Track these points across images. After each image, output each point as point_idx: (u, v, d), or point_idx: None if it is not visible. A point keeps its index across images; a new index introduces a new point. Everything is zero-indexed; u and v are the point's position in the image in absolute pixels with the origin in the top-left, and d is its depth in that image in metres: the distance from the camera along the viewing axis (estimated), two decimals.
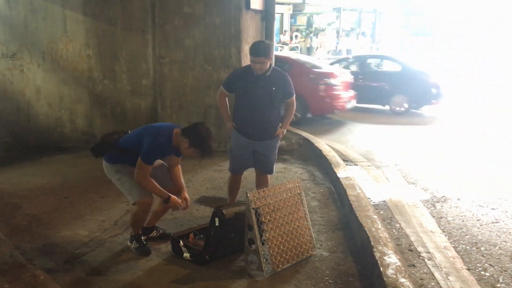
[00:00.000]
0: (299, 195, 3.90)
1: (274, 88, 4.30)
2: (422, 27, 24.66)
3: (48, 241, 4.16)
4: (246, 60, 7.37)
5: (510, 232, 4.39)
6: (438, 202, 5.26)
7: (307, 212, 3.94)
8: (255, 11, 7.58)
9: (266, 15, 7.83)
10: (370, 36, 25.78)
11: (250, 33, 7.61)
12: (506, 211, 4.96)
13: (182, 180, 4.05)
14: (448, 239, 4.23)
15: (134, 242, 3.93)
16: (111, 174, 3.94)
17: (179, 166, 4.06)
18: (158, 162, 3.97)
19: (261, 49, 4.17)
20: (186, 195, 3.97)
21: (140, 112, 7.67)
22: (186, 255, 3.70)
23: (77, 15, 7.50)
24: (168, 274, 3.55)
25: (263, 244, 3.52)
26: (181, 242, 3.76)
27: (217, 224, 3.59)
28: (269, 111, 4.38)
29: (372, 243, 3.65)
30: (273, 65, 4.51)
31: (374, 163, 6.90)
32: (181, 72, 7.33)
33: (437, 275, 3.52)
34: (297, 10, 23.83)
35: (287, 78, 4.40)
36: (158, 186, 3.76)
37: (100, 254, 3.91)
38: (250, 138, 4.45)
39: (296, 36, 24.66)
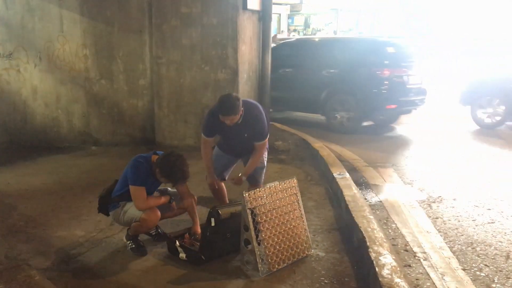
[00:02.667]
0: (295, 195, 3.91)
1: (246, 135, 4.33)
2: (421, 28, 24.69)
3: (44, 242, 4.16)
4: (242, 60, 7.39)
5: (505, 233, 4.41)
6: (434, 202, 5.27)
7: (303, 212, 3.95)
8: (252, 11, 7.59)
9: (263, 15, 7.84)
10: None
11: (247, 33, 7.62)
12: (502, 212, 4.97)
13: (196, 217, 4.04)
14: (444, 239, 4.24)
15: (131, 242, 3.93)
16: (119, 215, 3.94)
17: (192, 201, 4.04)
18: (163, 200, 3.99)
19: (228, 108, 4.09)
20: (198, 229, 3.96)
21: (137, 112, 7.67)
22: (182, 255, 3.70)
23: (74, 15, 7.49)
24: (164, 274, 3.56)
25: (259, 244, 3.52)
26: (177, 242, 3.76)
27: (213, 224, 3.59)
28: (250, 148, 4.43)
29: (368, 243, 3.66)
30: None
31: (370, 163, 6.91)
32: (178, 72, 7.33)
33: (432, 275, 3.53)
34: (294, 10, 23.90)
35: (258, 122, 4.32)
36: (159, 198, 3.93)
37: (96, 254, 3.91)
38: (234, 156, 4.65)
39: (293, 36, 24.67)
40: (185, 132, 7.48)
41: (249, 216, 3.47)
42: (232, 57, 7.14)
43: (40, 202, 5.21)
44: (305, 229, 3.89)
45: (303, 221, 3.90)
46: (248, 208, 3.47)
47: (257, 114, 4.35)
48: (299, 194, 3.95)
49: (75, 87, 7.77)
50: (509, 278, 3.54)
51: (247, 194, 3.49)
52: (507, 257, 3.89)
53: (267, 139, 4.49)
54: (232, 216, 3.66)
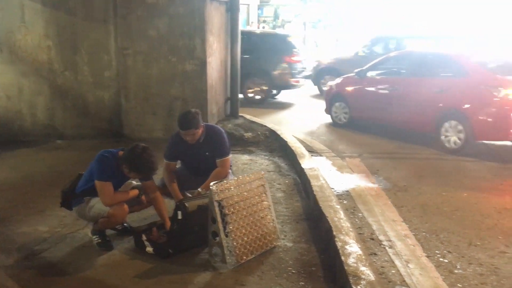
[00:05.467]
0: (263, 187, 3.91)
1: (207, 153, 4.28)
2: (393, 20, 25.00)
3: (6, 238, 4.04)
4: (210, 51, 7.33)
5: (468, 220, 4.53)
6: (399, 191, 5.37)
7: (271, 203, 3.96)
8: (220, 1, 7.53)
9: (231, 6, 7.80)
10: (338, 28, 26.03)
11: (215, 24, 7.56)
12: (465, 200, 5.11)
13: (165, 212, 3.93)
14: (409, 227, 4.34)
15: (97, 236, 3.86)
16: (84, 211, 3.85)
17: (159, 196, 3.95)
18: (131, 195, 3.90)
19: (188, 122, 4.06)
20: (166, 223, 3.87)
21: (104, 104, 7.51)
22: (149, 249, 3.66)
23: (35, 4, 7.24)
24: (131, 269, 3.51)
25: (227, 236, 3.52)
26: (144, 236, 3.71)
27: (179, 217, 3.56)
28: (210, 169, 4.30)
29: (334, 233, 3.70)
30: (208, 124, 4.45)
31: (338, 154, 6.99)
32: (146, 63, 7.21)
33: (397, 262, 3.61)
34: (264, 1, 23.82)
35: (219, 139, 4.29)
36: (127, 192, 3.83)
37: (61, 250, 3.83)
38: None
39: (263, 28, 24.62)
40: (153, 124, 7.38)
41: (217, 209, 3.45)
42: (200, 47, 7.07)
43: (3, 198, 5.05)
44: (273, 220, 3.90)
45: (271, 212, 3.91)
46: (215, 200, 3.46)
47: (217, 131, 4.37)
48: (267, 186, 3.96)
49: (38, 79, 7.53)
50: (471, 264, 3.65)
51: (214, 187, 3.47)
52: (469, 243, 4.01)
53: (229, 157, 4.41)
54: (199, 208, 3.64)
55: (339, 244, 3.51)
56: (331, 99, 9.35)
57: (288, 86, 12.07)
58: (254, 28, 21.48)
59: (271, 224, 3.87)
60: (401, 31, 17.83)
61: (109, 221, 3.77)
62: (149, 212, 4.27)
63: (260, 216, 3.79)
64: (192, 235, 3.70)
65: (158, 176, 4.34)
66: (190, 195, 4.12)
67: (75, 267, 3.54)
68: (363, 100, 8.73)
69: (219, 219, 3.45)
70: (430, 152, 7.16)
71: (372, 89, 8.62)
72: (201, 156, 4.31)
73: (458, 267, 3.60)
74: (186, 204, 3.60)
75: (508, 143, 7.38)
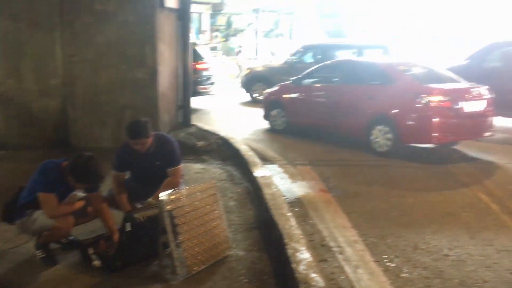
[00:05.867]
0: (215, 196, 3.89)
1: (158, 163, 4.16)
2: (337, 30, 25.67)
3: None
4: (161, 59, 7.25)
5: (414, 224, 4.69)
6: (349, 197, 5.49)
7: (223, 212, 3.94)
8: (170, 9, 7.48)
9: (182, 14, 7.76)
10: (289, 38, 26.41)
11: (166, 32, 7.49)
12: (411, 204, 5.29)
13: (113, 224, 3.80)
14: (358, 233, 4.43)
15: (41, 251, 3.71)
16: (27, 225, 3.67)
17: (106, 207, 3.83)
18: (77, 206, 3.77)
19: (138, 131, 3.97)
20: (114, 235, 3.75)
21: (49, 114, 7.24)
22: (96, 262, 3.55)
23: None
24: (77, 284, 3.39)
25: (177, 247, 3.47)
26: (91, 250, 3.60)
27: (128, 229, 3.48)
28: (161, 179, 4.16)
29: (286, 240, 3.73)
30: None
31: (290, 162, 7.06)
32: (93, 71, 7.04)
33: (347, 268, 3.68)
34: (216, 10, 23.86)
35: (170, 148, 4.20)
36: (72, 204, 3.70)
37: (3, 266, 3.65)
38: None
39: (216, 36, 24.66)
40: (102, 134, 7.19)
41: (167, 219, 3.40)
42: (150, 56, 6.98)
43: None
44: (225, 229, 3.88)
45: (222, 222, 3.89)
46: (165, 211, 3.40)
47: (167, 140, 4.29)
48: (218, 195, 3.94)
49: None
50: (417, 267, 3.77)
51: (165, 196, 3.42)
52: (415, 247, 4.15)
53: (181, 166, 4.32)
54: (149, 219, 3.57)
55: (290, 251, 3.54)
56: (269, 106, 9.60)
57: (195, 93, 11.87)
58: None
59: (223, 233, 3.85)
60: (329, 41, 19.09)
61: (54, 234, 3.63)
62: (97, 224, 4.13)
63: (212, 226, 3.76)
64: (141, 247, 3.62)
65: (107, 186, 4.23)
66: (140, 206, 4.03)
67: (18, 284, 3.39)
68: (299, 106, 9.03)
69: (169, 229, 3.40)
70: (367, 157, 7.36)
71: (308, 96, 8.94)
72: (152, 166, 4.22)
73: (405, 271, 3.71)
74: (135, 215, 3.52)
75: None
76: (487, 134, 7.46)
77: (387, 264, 3.82)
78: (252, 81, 13.81)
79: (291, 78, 9.46)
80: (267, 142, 8.53)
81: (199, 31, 23.26)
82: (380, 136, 7.42)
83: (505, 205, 5.20)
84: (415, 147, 7.61)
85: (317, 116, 8.55)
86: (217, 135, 8.25)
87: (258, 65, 15.22)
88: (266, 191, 5.06)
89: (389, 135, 7.30)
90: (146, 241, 3.60)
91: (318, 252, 3.92)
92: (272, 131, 9.36)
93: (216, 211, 3.85)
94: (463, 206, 5.22)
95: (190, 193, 3.66)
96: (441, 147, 7.76)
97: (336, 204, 5.27)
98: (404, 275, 3.64)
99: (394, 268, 3.75)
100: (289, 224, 4.09)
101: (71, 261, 3.71)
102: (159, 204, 3.41)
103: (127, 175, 4.38)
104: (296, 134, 8.90)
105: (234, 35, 24.88)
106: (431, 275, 3.64)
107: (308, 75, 9.13)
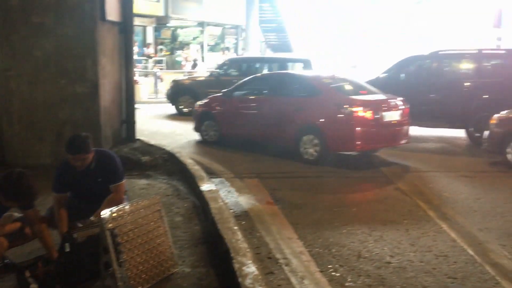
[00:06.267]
0: (159, 212, 3.81)
1: (99, 180, 4.01)
2: (282, 44, 26.16)
3: None
4: (103, 73, 7.09)
5: (357, 233, 4.81)
6: (295, 209, 5.56)
7: (168, 229, 3.87)
8: (112, 23, 7.35)
9: (124, 28, 7.63)
10: (234, 52, 26.59)
11: (108, 46, 7.35)
12: (354, 214, 5.43)
13: (51, 244, 3.64)
14: (304, 244, 4.49)
15: None
16: None
17: (44, 227, 3.66)
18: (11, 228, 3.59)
19: (77, 146, 3.82)
20: (53, 256, 3.59)
21: None
22: (34, 286, 3.38)
23: None
24: None
25: (120, 266, 3.36)
26: (28, 273, 3.42)
27: (67, 249, 3.35)
28: (104, 196, 3.99)
29: (232, 255, 3.73)
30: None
31: (237, 175, 7.07)
32: (31, 85, 6.77)
33: (293, 280, 3.71)
34: (161, 23, 23.67)
35: (113, 164, 4.07)
36: (3, 225, 3.54)
37: None
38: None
39: (161, 50, 24.45)
40: (40, 150, 6.89)
41: (109, 237, 3.29)
42: (91, 69, 6.80)
43: None
44: (170, 246, 3.81)
45: (168, 238, 3.82)
46: (107, 229, 3.30)
47: (109, 155, 4.15)
48: (163, 210, 3.87)
49: None
50: (360, 276, 3.86)
51: (106, 214, 3.32)
52: (359, 256, 4.25)
53: (123, 181, 4.15)
54: (89, 239, 3.45)
55: (236, 265, 3.53)
56: (200, 118, 9.71)
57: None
58: None
59: (168, 250, 3.78)
60: (253, 55, 19.88)
61: None
62: (35, 246, 3.95)
63: (156, 243, 3.68)
64: (82, 268, 3.48)
65: (45, 205, 4.05)
66: (81, 225, 3.88)
67: None
68: (231, 118, 9.22)
69: (111, 248, 3.30)
70: (301, 166, 7.53)
71: (239, 108, 9.16)
72: (93, 183, 4.07)
73: (349, 279, 3.79)
74: (74, 235, 3.39)
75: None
76: (403, 141, 8.04)
77: (332, 273, 3.89)
78: (177, 94, 13.91)
79: (222, 90, 9.68)
80: (211, 155, 8.49)
81: (144, 44, 22.97)
82: (308, 145, 7.78)
83: (442, 212, 5.45)
84: (342, 155, 8.04)
85: (249, 127, 8.78)
86: (163, 149, 8.13)
87: (184, 78, 15.58)
88: (213, 205, 5.03)
89: (317, 144, 7.68)
90: (87, 261, 3.48)
91: (264, 265, 3.93)
92: (204, 143, 9.41)
93: (160, 228, 3.78)
94: (403, 213, 5.42)
95: (133, 210, 3.57)
96: (363, 154, 8.31)
97: (282, 216, 5.31)
98: (348, 284, 3.72)
99: (339, 277, 3.83)
100: (236, 238, 4.08)
101: (7, 286, 3.51)
102: (100, 222, 3.31)
103: (68, 194, 4.20)
104: (229, 146, 8.98)
105: (180, 48, 24.75)
106: (374, 283, 3.73)
107: (239, 87, 9.38)
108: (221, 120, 9.28)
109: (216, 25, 26.92)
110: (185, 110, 13.21)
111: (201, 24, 25.77)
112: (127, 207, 3.55)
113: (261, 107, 8.65)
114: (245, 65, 13.78)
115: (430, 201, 5.85)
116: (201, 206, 5.52)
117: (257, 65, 13.54)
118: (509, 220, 5.23)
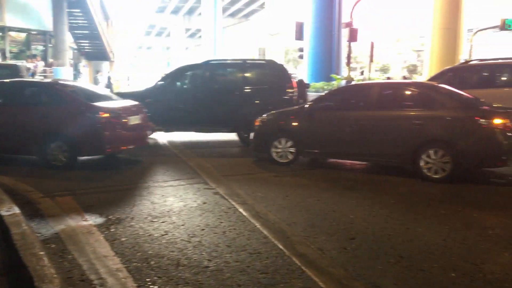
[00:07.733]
0: None
1: None
2: (97, 52, 25.01)
3: None
4: None
5: (176, 242, 4.79)
6: (112, 224, 5.30)
7: None
8: None
9: None
10: (42, 59, 24.46)
11: None
12: (174, 222, 5.41)
13: None
14: (121, 260, 4.29)
15: None
16: None
17: None
18: None
19: None
20: None
21: None
22: None
23: None
24: None
25: None
26: None
27: None
28: None
29: (36, 283, 3.37)
30: None
31: (48, 194, 6.47)
32: None
33: None
34: None
35: None
36: None
37: None
38: None
39: None
40: None
41: None
42: None
43: None
44: None
45: None
46: None
47: None
48: None
49: None
50: (178, 284, 3.85)
51: None
52: (178, 264, 4.24)
53: None
54: None
55: None
56: None
57: None
58: None
59: None
60: None
61: None
62: None
63: None
64: None
65: None
66: None
67: None
68: None
69: None
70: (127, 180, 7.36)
71: None
72: None
73: None
74: None
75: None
76: (145, 142, 9.24)
77: (151, 287, 3.80)
78: None
79: None
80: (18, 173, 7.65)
81: None
82: (56, 152, 8.09)
83: (255, 211, 5.78)
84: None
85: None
86: None
87: None
88: (15, 231, 4.50)
89: (66, 151, 8.07)
90: None
91: None
92: None
93: None
94: (220, 216, 5.60)
95: None
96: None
97: (99, 233, 5.02)
98: None
99: None
100: (41, 264, 3.71)
101: None
102: None
103: None
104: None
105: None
106: None
107: None
108: None
109: (20, 30, 24.43)
110: None
111: (2, 29, 23.10)
112: None
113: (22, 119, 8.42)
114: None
115: (246, 202, 6.16)
116: (1, 233, 4.89)
117: None
118: (312, 212, 5.81)
